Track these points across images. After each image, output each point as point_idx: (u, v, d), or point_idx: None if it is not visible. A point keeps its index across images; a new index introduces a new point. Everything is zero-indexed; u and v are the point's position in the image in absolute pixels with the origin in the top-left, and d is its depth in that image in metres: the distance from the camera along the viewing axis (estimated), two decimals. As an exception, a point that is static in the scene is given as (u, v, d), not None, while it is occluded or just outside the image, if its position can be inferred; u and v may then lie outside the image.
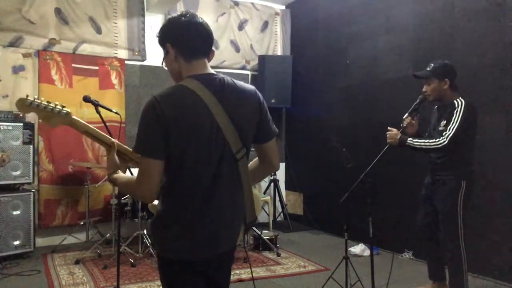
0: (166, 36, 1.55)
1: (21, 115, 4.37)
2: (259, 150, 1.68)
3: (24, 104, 1.67)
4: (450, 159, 3.05)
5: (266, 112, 1.63)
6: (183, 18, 1.53)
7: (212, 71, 1.56)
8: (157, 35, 1.59)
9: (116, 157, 1.71)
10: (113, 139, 1.76)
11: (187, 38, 1.52)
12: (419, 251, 4.23)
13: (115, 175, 1.65)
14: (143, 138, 1.45)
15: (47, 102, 1.70)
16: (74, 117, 1.74)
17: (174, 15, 1.57)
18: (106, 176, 1.69)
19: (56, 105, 1.71)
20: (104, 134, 1.77)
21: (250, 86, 1.62)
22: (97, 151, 5.14)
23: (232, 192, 1.54)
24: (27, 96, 1.67)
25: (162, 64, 1.62)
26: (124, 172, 1.73)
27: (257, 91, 1.63)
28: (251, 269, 3.90)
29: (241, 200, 1.57)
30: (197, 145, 1.45)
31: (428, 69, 3.15)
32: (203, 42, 1.55)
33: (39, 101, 1.69)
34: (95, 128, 1.76)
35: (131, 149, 1.75)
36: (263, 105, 1.62)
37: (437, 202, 3.12)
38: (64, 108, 1.72)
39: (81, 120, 1.75)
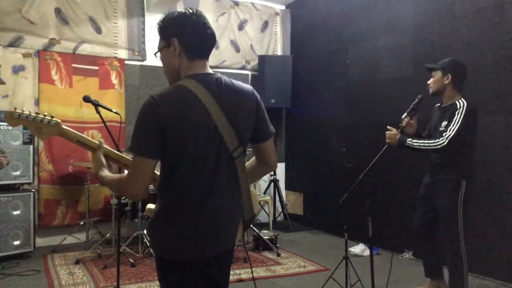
0: (175, 30, 1.53)
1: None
2: (257, 150, 1.68)
3: (13, 117, 1.65)
4: (450, 159, 3.05)
5: (264, 112, 1.63)
6: (194, 16, 1.52)
7: (210, 71, 1.56)
8: (160, 24, 1.56)
9: (102, 157, 1.68)
10: (98, 143, 1.72)
11: (196, 37, 1.52)
12: (419, 251, 4.23)
13: (102, 173, 1.62)
14: (139, 137, 1.44)
15: (36, 113, 1.68)
16: (64, 127, 1.72)
17: (183, 11, 1.54)
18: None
19: (45, 115, 1.69)
20: (115, 151, 1.74)
21: (247, 86, 1.62)
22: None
23: (230, 191, 1.55)
24: (15, 108, 1.65)
25: (156, 54, 1.60)
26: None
27: (255, 91, 1.63)
28: (251, 268, 3.91)
29: (239, 198, 1.58)
30: (194, 144, 1.45)
31: (439, 62, 3.17)
32: (208, 44, 1.56)
33: (28, 113, 1.66)
34: (87, 137, 1.74)
35: (120, 153, 1.74)
36: (261, 105, 1.62)
37: (437, 202, 3.12)
38: (53, 119, 1.69)
39: (72, 130, 1.73)
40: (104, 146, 1.73)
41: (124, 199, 4.46)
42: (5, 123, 4.22)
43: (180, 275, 1.52)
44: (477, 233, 3.66)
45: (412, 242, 4.31)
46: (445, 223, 3.08)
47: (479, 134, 3.15)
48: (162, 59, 1.58)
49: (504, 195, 3.64)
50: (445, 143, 2.93)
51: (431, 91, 3.17)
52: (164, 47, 1.55)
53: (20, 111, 1.66)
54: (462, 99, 3.04)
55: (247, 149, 1.61)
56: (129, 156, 1.68)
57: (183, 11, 1.54)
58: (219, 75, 1.56)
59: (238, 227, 1.62)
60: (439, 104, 3.26)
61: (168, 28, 1.54)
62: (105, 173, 1.63)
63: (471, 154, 3.10)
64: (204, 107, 1.46)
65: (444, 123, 3.04)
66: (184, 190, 1.48)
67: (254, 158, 1.72)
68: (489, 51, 3.77)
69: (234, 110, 1.51)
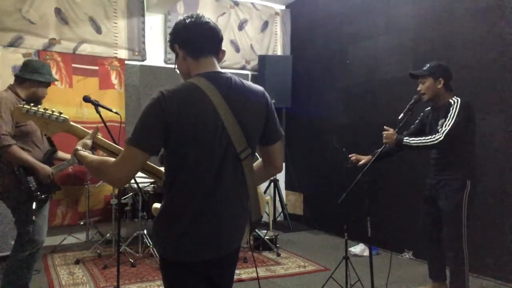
0: (174, 37, 1.57)
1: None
2: (264, 151, 1.67)
3: (21, 113, 1.64)
4: (453, 159, 3.06)
5: (273, 114, 1.63)
6: (189, 19, 1.54)
7: (220, 69, 1.56)
8: (168, 39, 1.62)
9: (90, 142, 1.68)
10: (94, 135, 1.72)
11: (192, 37, 1.53)
12: (419, 251, 4.23)
13: (83, 153, 1.60)
14: (139, 128, 1.42)
15: (44, 109, 1.66)
16: (72, 123, 1.72)
17: (181, 17, 1.58)
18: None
19: (53, 111, 1.67)
20: (108, 141, 1.73)
21: (258, 87, 1.61)
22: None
23: (236, 192, 1.53)
24: (23, 104, 1.65)
25: (175, 67, 1.62)
26: None
27: (265, 93, 1.63)
28: (256, 269, 3.91)
29: (245, 200, 1.56)
30: (199, 143, 1.44)
31: (424, 68, 3.19)
32: (209, 41, 1.56)
33: (36, 109, 1.65)
34: (98, 136, 1.73)
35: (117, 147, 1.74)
36: (271, 107, 1.62)
37: (442, 202, 3.12)
38: (61, 115, 1.68)
39: (79, 126, 1.73)
40: (99, 137, 1.73)
41: (124, 198, 4.47)
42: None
43: (183, 276, 1.51)
44: (477, 233, 3.66)
45: (412, 242, 4.31)
46: (449, 223, 3.08)
47: (479, 134, 3.16)
48: (177, 69, 1.61)
49: (505, 195, 3.64)
50: (442, 137, 2.93)
51: (425, 98, 3.17)
52: (175, 57, 1.58)
53: (28, 106, 1.65)
54: (455, 96, 3.06)
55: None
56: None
57: (181, 18, 1.58)
58: (229, 74, 1.56)
59: (244, 229, 1.60)
60: (429, 107, 3.29)
61: (170, 38, 1.59)
62: (86, 153, 1.61)
63: (474, 154, 3.10)
64: (213, 106, 1.45)
65: (441, 121, 3.05)
66: (187, 189, 1.47)
67: (260, 160, 1.71)
68: (489, 51, 3.77)
69: (243, 110, 1.50)
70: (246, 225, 1.61)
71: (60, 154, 3.35)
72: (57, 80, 3.29)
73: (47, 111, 1.66)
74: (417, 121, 3.38)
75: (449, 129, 2.92)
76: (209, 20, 1.56)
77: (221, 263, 1.58)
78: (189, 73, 1.56)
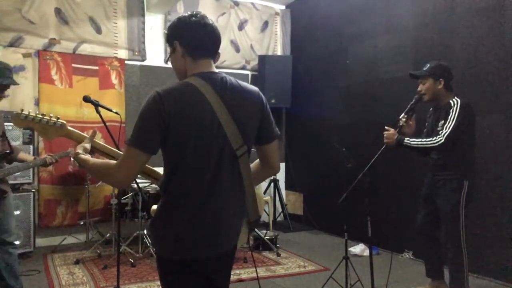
0: (175, 33, 1.56)
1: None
2: (260, 151, 1.68)
3: (19, 119, 1.70)
4: (451, 159, 3.05)
5: (269, 114, 1.64)
6: (193, 18, 1.54)
7: (215, 70, 1.58)
8: (166, 32, 1.61)
9: (89, 145, 1.70)
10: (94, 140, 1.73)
11: (196, 37, 1.54)
12: (419, 251, 4.23)
13: (84, 157, 1.62)
14: (138, 129, 1.44)
15: (42, 114, 1.71)
16: (69, 128, 1.76)
17: (185, 14, 1.57)
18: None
19: (50, 117, 1.72)
20: (105, 145, 1.76)
21: (253, 87, 1.63)
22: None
23: (233, 190, 1.54)
24: (22, 110, 1.70)
25: (167, 61, 1.64)
26: None
27: (260, 93, 1.64)
28: (256, 268, 3.89)
29: (242, 198, 1.57)
30: (197, 141, 1.45)
31: (424, 69, 3.18)
32: (211, 43, 1.57)
33: (34, 115, 1.70)
34: (96, 141, 1.75)
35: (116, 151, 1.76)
36: (266, 106, 1.63)
37: (439, 202, 3.12)
38: (59, 120, 1.73)
39: (76, 131, 1.77)
40: (96, 141, 1.76)
41: (124, 198, 4.47)
42: (6, 123, 4.22)
43: (180, 275, 1.51)
44: (477, 233, 3.66)
45: (412, 242, 4.31)
46: (446, 223, 3.08)
47: (479, 134, 3.15)
48: (171, 64, 1.62)
49: (504, 194, 3.64)
50: (442, 140, 2.93)
51: (426, 98, 3.16)
52: (171, 53, 1.58)
53: (27, 113, 1.71)
54: (456, 97, 3.06)
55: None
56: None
57: (185, 14, 1.57)
58: (224, 74, 1.57)
59: (240, 228, 1.61)
60: (432, 108, 3.28)
61: (170, 33, 1.58)
62: (87, 156, 1.63)
63: (472, 154, 3.10)
64: (209, 104, 1.46)
65: (441, 122, 3.05)
66: (186, 188, 1.47)
67: (257, 160, 1.72)
68: (489, 51, 3.77)
69: (239, 109, 1.52)
70: (243, 223, 1.62)
71: (21, 155, 3.15)
72: (16, 84, 3.11)
73: (45, 117, 1.72)
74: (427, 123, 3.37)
75: (450, 132, 2.92)
76: (212, 22, 1.57)
77: (219, 261, 1.58)
78: (185, 71, 1.56)
